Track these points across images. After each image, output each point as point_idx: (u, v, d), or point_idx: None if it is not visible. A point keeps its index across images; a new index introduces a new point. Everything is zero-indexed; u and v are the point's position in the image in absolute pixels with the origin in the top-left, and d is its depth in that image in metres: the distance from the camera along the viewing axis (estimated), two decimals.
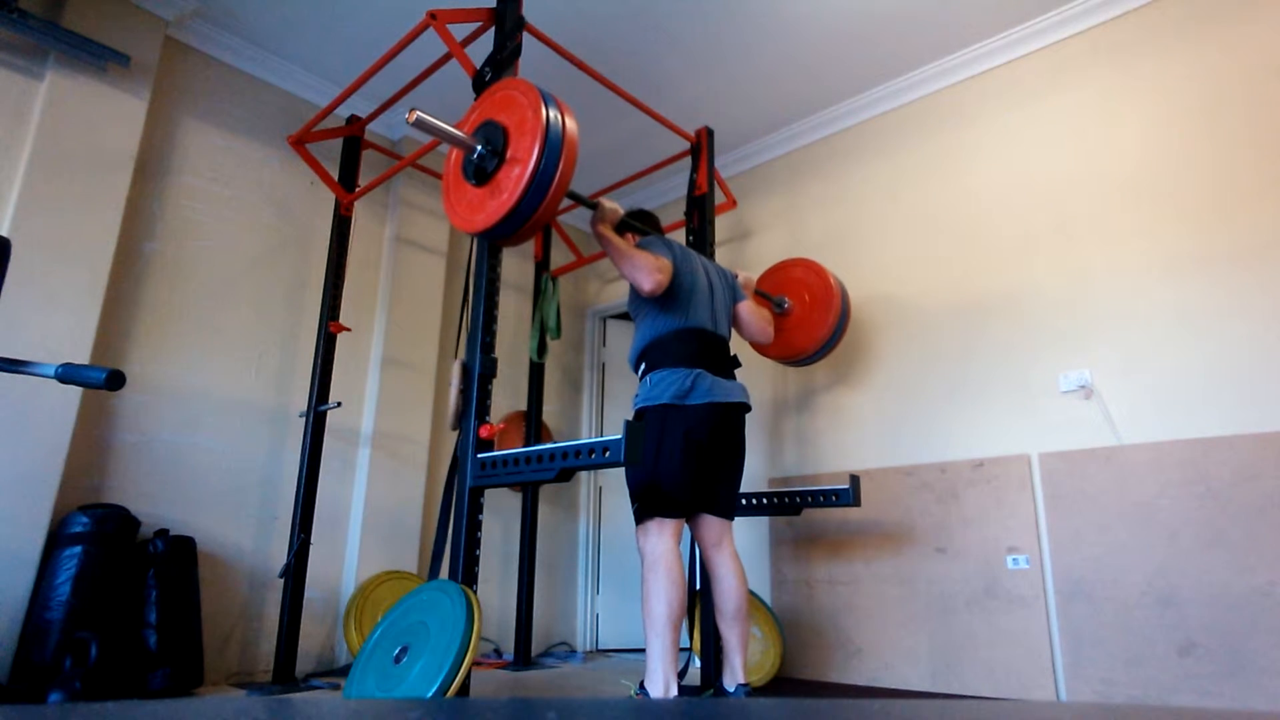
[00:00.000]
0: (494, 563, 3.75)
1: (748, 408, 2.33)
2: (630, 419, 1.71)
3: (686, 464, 2.11)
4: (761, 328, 2.55)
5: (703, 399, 2.15)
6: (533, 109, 1.74)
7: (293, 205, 3.36)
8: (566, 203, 3.65)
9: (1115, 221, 2.74)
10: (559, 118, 1.73)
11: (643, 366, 2.26)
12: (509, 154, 1.76)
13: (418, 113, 1.68)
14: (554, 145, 1.70)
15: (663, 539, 2.07)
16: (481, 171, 1.81)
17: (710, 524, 2.27)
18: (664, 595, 1.99)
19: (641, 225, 2.49)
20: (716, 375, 2.23)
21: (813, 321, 3.06)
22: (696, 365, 2.20)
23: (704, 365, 2.22)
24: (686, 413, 2.14)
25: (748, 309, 2.53)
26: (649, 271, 2.13)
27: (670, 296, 2.24)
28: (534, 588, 3.54)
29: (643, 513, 2.12)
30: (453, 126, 1.82)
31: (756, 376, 3.66)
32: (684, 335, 2.23)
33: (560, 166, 1.70)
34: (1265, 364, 2.36)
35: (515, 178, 1.72)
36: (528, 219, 1.75)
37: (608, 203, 2.26)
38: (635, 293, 2.29)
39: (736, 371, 2.37)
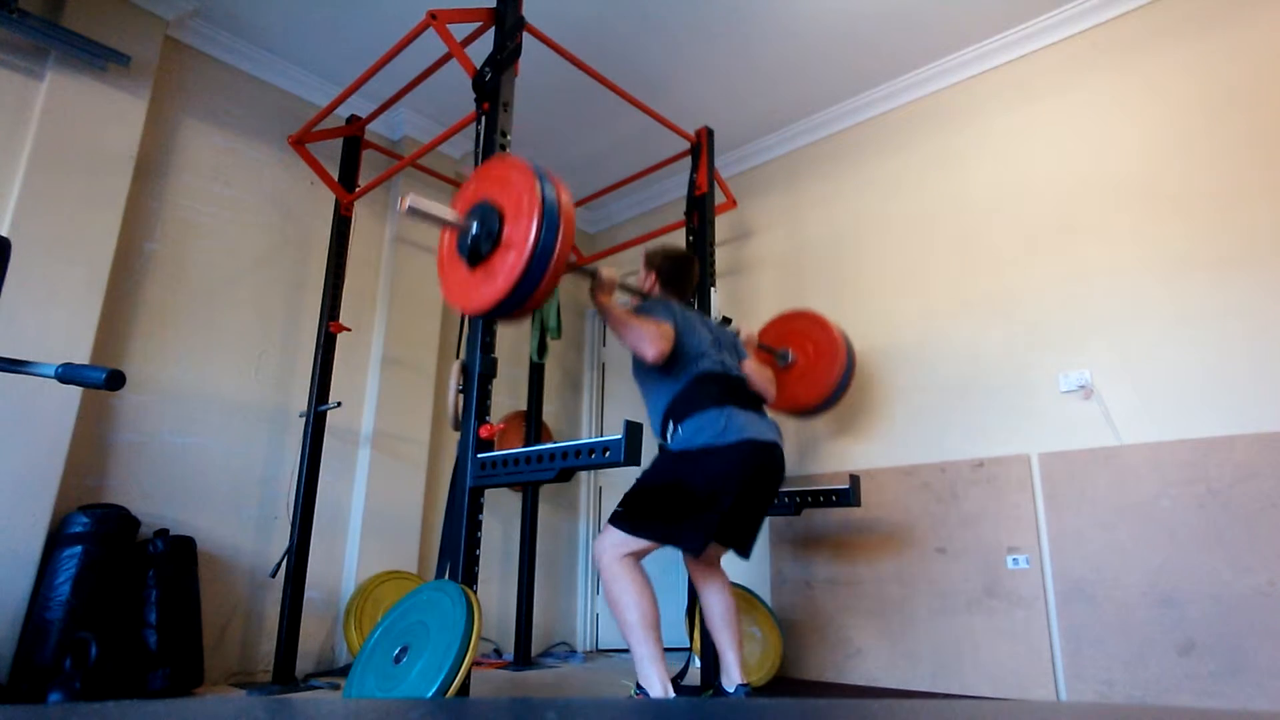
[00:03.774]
0: (494, 563, 3.75)
1: (781, 447, 2.22)
2: (630, 420, 1.71)
3: (718, 509, 2.03)
4: (764, 387, 2.42)
5: (739, 436, 2.07)
6: (528, 191, 1.69)
7: (293, 205, 3.36)
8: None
9: (1115, 221, 2.74)
10: (555, 198, 1.68)
11: (670, 424, 2.16)
12: (504, 238, 1.71)
13: (410, 201, 1.63)
14: (550, 229, 1.65)
15: (630, 552, 2.03)
16: (475, 254, 1.75)
17: (712, 547, 2.26)
18: (634, 602, 1.98)
19: (639, 290, 2.44)
20: (749, 411, 2.16)
21: (817, 374, 2.97)
22: (726, 404, 2.12)
23: (734, 403, 2.14)
24: (725, 454, 2.05)
25: (750, 368, 2.41)
26: (651, 339, 2.07)
27: (677, 356, 2.17)
28: (534, 588, 3.54)
29: (636, 529, 2.04)
30: (446, 208, 1.78)
31: None
32: (704, 379, 2.17)
33: (556, 250, 1.65)
34: (1265, 364, 2.36)
35: (510, 264, 1.67)
36: (523, 303, 1.71)
37: (606, 271, 2.20)
38: (639, 362, 2.22)
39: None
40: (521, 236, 1.66)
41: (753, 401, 2.24)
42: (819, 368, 2.98)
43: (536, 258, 1.65)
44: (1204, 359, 2.46)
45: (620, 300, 2.27)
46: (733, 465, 2.05)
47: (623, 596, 1.99)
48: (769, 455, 2.15)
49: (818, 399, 2.95)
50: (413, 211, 1.66)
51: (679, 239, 3.57)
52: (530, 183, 1.71)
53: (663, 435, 2.22)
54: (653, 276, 2.45)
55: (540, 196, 1.66)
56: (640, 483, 2.13)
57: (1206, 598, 2.27)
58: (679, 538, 2.04)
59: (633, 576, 2.00)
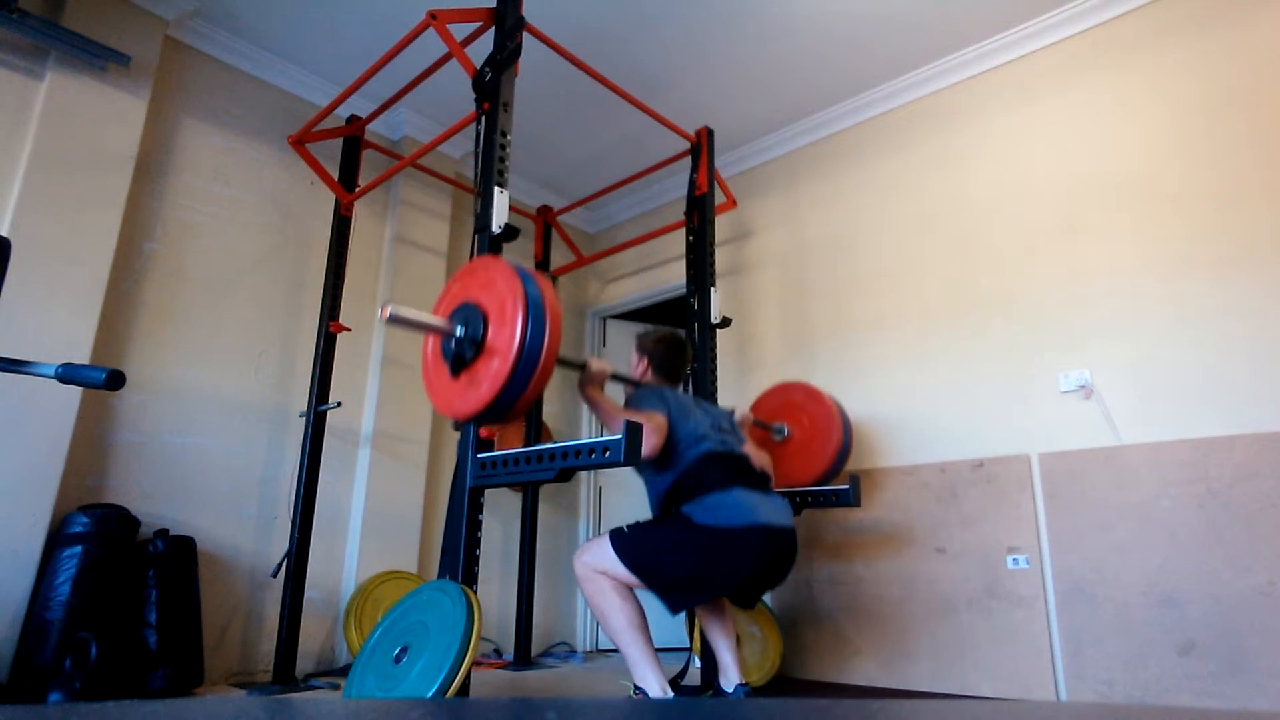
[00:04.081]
0: (494, 563, 3.75)
1: (794, 531, 2.15)
2: (630, 420, 1.70)
3: (717, 592, 2.00)
4: (764, 471, 2.33)
5: (750, 520, 1.99)
6: (511, 296, 1.64)
7: (293, 205, 3.36)
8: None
9: (1115, 221, 2.74)
10: (540, 298, 1.63)
11: (673, 510, 2.09)
12: (487, 343, 1.66)
13: (391, 309, 1.56)
14: (536, 333, 1.60)
15: (612, 577, 2.01)
16: (460, 360, 1.71)
17: None
18: (618, 608, 1.98)
19: (630, 378, 2.39)
20: (757, 491, 2.09)
21: (813, 450, 2.86)
22: (733, 485, 2.05)
23: (741, 483, 2.07)
24: (734, 540, 1.97)
25: (749, 452, 2.32)
26: (644, 436, 1.96)
27: (673, 445, 2.11)
28: (534, 588, 3.54)
29: (633, 568, 1.98)
30: (429, 313, 1.73)
31: (755, 376, 3.66)
32: (707, 460, 2.10)
33: (543, 355, 1.60)
34: (1265, 364, 2.36)
35: (494, 372, 1.62)
36: (509, 410, 1.66)
37: (595, 363, 2.17)
38: None
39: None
40: (506, 342, 1.61)
41: (760, 481, 2.17)
42: (815, 443, 2.86)
43: (522, 363, 1.59)
44: (1204, 359, 2.46)
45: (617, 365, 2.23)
46: (741, 553, 1.98)
47: (606, 603, 1.99)
48: (781, 541, 2.07)
49: (814, 476, 2.82)
50: (394, 319, 1.57)
51: (679, 239, 3.58)
52: (514, 285, 1.65)
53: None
54: (645, 362, 2.41)
55: (525, 298, 1.61)
56: (649, 529, 2.07)
57: (1206, 598, 2.27)
58: (666, 598, 1.99)
59: (614, 586, 2.01)
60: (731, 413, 2.48)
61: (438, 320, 1.75)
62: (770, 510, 2.07)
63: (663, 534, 2.04)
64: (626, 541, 2.03)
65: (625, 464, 1.67)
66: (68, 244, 2.58)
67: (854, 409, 3.27)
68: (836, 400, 2.90)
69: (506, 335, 1.62)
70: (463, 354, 1.70)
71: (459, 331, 1.72)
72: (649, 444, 2.00)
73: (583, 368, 2.18)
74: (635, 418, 2.00)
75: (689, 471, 2.09)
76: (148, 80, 2.88)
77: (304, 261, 3.34)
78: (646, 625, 2.01)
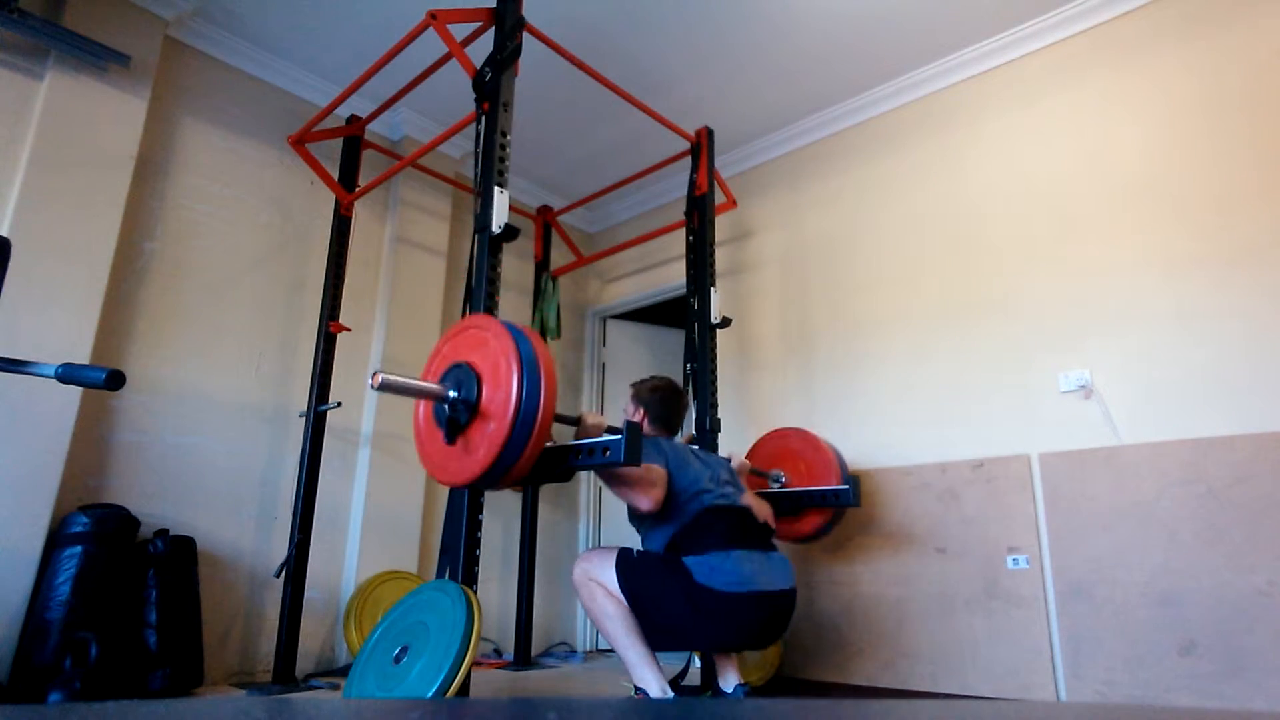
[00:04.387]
0: (494, 563, 3.75)
1: (794, 593, 2.13)
2: (630, 420, 1.70)
3: (703, 646, 2.03)
4: (765, 522, 2.33)
5: (746, 588, 1.97)
6: (505, 355, 1.61)
7: (293, 205, 3.36)
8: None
9: (1115, 221, 2.74)
10: (534, 357, 1.61)
11: (679, 561, 2.06)
12: (482, 406, 1.63)
13: (381, 377, 1.51)
14: (531, 394, 1.57)
15: (610, 590, 2.03)
16: (454, 424, 1.67)
17: None
18: (615, 613, 1.99)
19: (649, 414, 2.37)
20: (757, 552, 2.07)
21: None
22: (733, 547, 2.03)
23: (741, 545, 2.05)
24: (726, 605, 1.96)
25: (749, 501, 2.32)
26: (643, 489, 2.00)
27: (672, 497, 2.10)
28: (534, 588, 3.54)
29: (628, 597, 1.99)
30: (417, 380, 1.69)
31: (755, 376, 3.66)
32: (706, 515, 2.08)
33: (539, 417, 1.57)
34: (1264, 364, 2.36)
35: (490, 435, 1.59)
36: (505, 474, 1.62)
37: (591, 417, 2.16)
38: (634, 509, 2.15)
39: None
40: (502, 403, 1.57)
41: (761, 538, 2.15)
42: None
43: (519, 425, 1.56)
44: (1204, 359, 2.46)
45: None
46: (732, 619, 1.97)
47: (601, 609, 2.00)
48: (779, 604, 2.06)
49: (812, 530, 2.77)
50: (385, 387, 1.53)
51: (679, 239, 3.58)
52: (507, 344, 1.63)
53: None
54: (641, 412, 2.39)
55: (519, 357, 1.59)
56: (653, 567, 2.05)
57: (1206, 598, 2.27)
58: (654, 637, 2.00)
59: (607, 592, 2.02)
60: (728, 461, 2.45)
61: (429, 385, 1.70)
62: (769, 576, 2.05)
63: (665, 579, 2.01)
64: (630, 571, 2.03)
65: (625, 464, 1.67)
66: (68, 244, 2.58)
67: (854, 409, 3.28)
68: (834, 447, 2.86)
69: (502, 397, 1.58)
70: (457, 418, 1.66)
71: (452, 394, 1.68)
72: (651, 496, 2.00)
73: (577, 422, 2.16)
74: (633, 473, 2.01)
75: (690, 526, 2.07)
76: (148, 80, 2.88)
77: (304, 261, 3.34)
78: (641, 630, 2.02)
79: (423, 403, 1.84)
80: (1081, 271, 2.77)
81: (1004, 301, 2.95)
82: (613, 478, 2.04)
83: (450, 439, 1.68)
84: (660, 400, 2.39)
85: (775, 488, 2.86)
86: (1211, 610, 2.25)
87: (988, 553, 2.71)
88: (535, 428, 1.58)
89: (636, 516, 2.20)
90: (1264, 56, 2.55)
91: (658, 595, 2.00)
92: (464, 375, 1.67)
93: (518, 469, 1.63)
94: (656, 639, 2.01)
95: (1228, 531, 2.28)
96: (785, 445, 2.96)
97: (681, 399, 2.45)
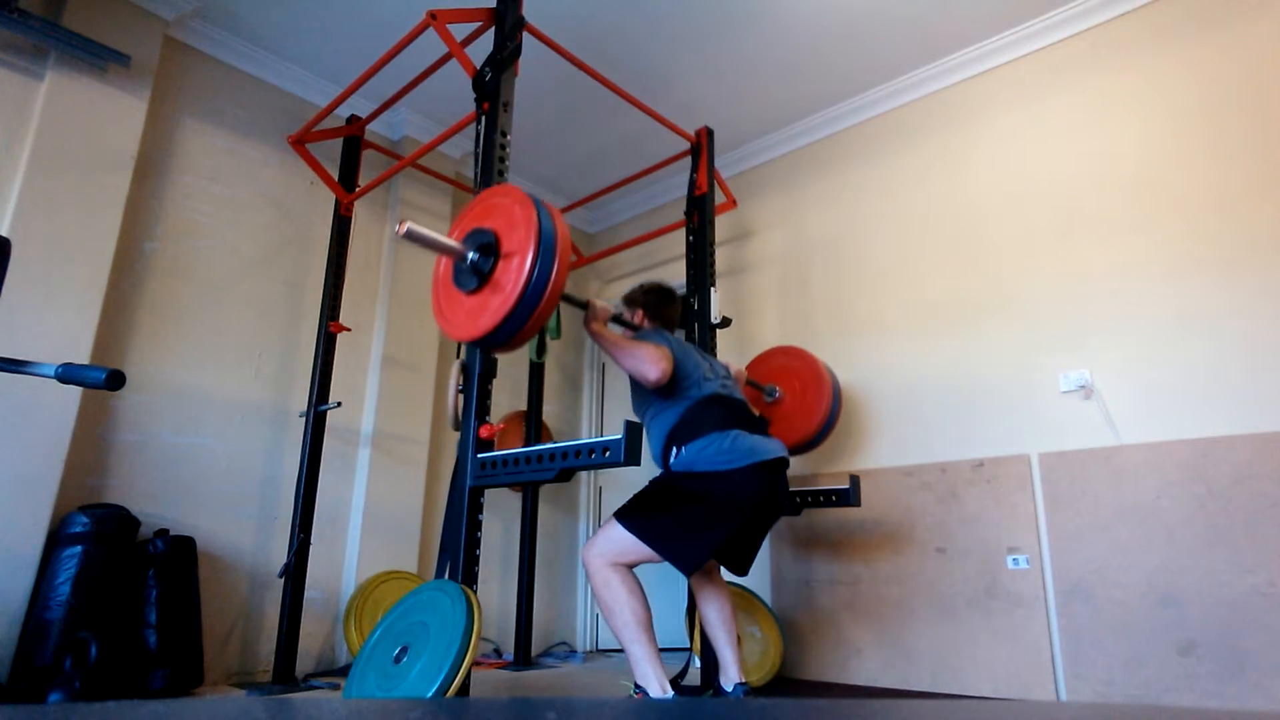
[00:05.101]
0: (494, 563, 3.75)
1: (788, 462, 2.23)
2: (630, 420, 1.71)
3: (723, 533, 2.02)
4: None
5: (749, 459, 2.05)
6: (519, 203, 1.73)
7: (293, 205, 3.36)
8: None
9: (1115, 221, 2.74)
10: (551, 227, 1.70)
11: (674, 449, 2.14)
12: (504, 250, 1.73)
13: (408, 225, 1.62)
14: (546, 257, 1.66)
15: (621, 561, 2.02)
16: (479, 273, 1.76)
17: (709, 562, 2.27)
18: (625, 604, 1.98)
19: (630, 323, 2.43)
20: (755, 434, 2.14)
21: (805, 410, 2.94)
22: (731, 427, 2.11)
23: (740, 426, 2.13)
24: (734, 479, 2.03)
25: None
26: (653, 361, 2.07)
27: (677, 380, 2.16)
28: (534, 588, 3.54)
29: (643, 534, 2.00)
30: (443, 235, 1.78)
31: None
32: (707, 402, 2.15)
33: (552, 278, 1.66)
34: (1265, 364, 2.36)
35: (516, 269, 1.68)
36: (518, 331, 1.70)
37: (599, 302, 2.23)
38: (640, 389, 2.21)
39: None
40: (518, 265, 1.67)
41: (758, 425, 2.22)
42: (805, 405, 2.94)
43: (528, 295, 1.65)
44: (1204, 359, 2.46)
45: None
46: (742, 489, 2.04)
47: (614, 598, 1.99)
48: (776, 471, 2.14)
49: (807, 435, 2.90)
50: (410, 235, 1.64)
51: (679, 239, 3.57)
52: (520, 196, 1.73)
53: (664, 460, 2.18)
54: (639, 313, 2.43)
55: (537, 225, 1.67)
56: (644, 494, 2.11)
57: (1206, 598, 2.27)
58: (676, 553, 2.00)
59: (622, 578, 2.00)
60: (727, 367, 2.52)
61: (451, 242, 1.80)
62: (767, 446, 2.13)
63: (662, 491, 2.09)
64: (629, 510, 2.06)
65: (625, 464, 1.67)
66: (68, 244, 2.58)
67: (854, 409, 3.28)
68: (828, 365, 2.97)
69: (515, 266, 1.67)
70: (481, 268, 1.76)
71: (471, 257, 1.77)
72: (659, 369, 2.06)
73: (586, 306, 2.22)
74: (642, 347, 2.09)
75: (693, 409, 2.14)
76: (148, 80, 2.88)
77: (304, 261, 3.34)
78: (651, 624, 2.01)
79: (441, 271, 1.92)
80: (1082, 271, 2.77)
81: (1004, 301, 2.95)
82: (618, 348, 2.10)
83: (478, 285, 1.76)
84: (657, 299, 2.46)
85: (769, 402, 3.00)
86: (1211, 610, 2.25)
87: (988, 553, 2.71)
88: (543, 299, 1.67)
89: (640, 399, 2.25)
90: (1264, 56, 2.55)
91: (664, 507, 2.04)
92: (484, 240, 1.77)
93: (521, 336, 1.73)
94: (687, 548, 2.00)
95: (1228, 531, 2.28)
96: (780, 362, 3.09)
97: (676, 297, 2.52)
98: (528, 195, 1.75)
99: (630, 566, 2.02)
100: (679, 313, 2.54)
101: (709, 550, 2.02)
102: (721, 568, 2.35)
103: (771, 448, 2.14)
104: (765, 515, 2.19)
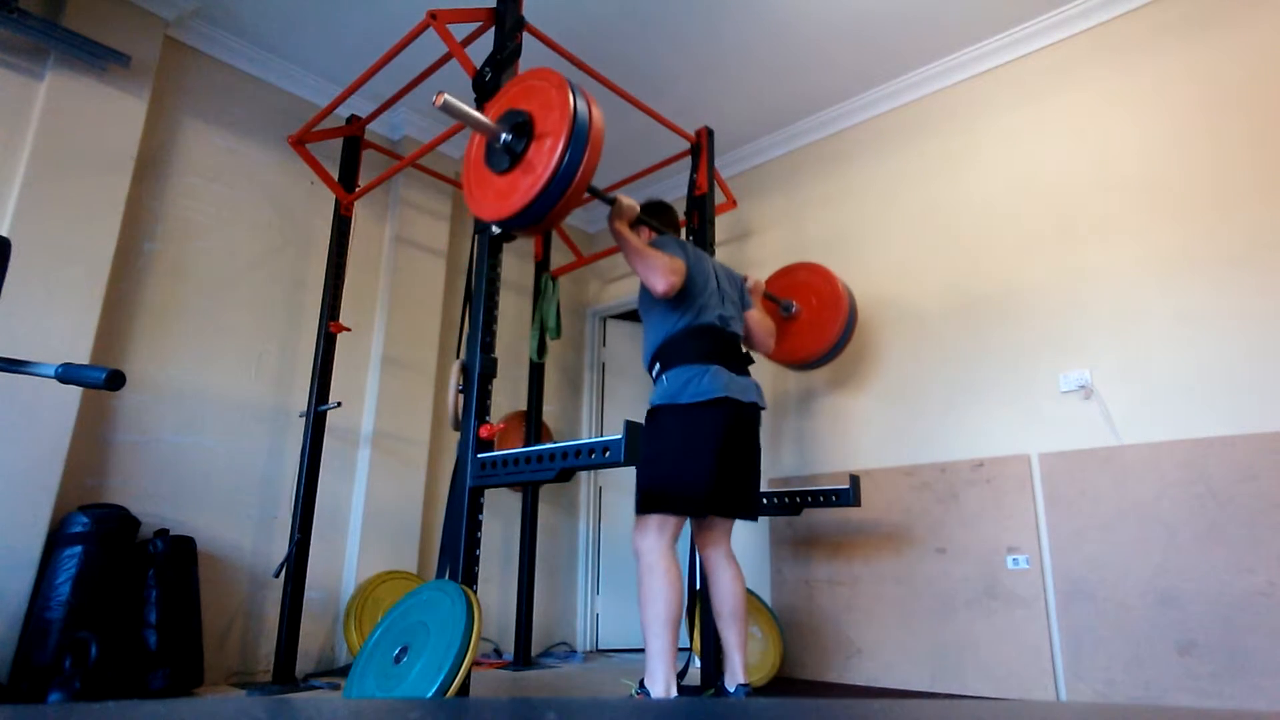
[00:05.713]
0: (494, 563, 3.75)
1: (762, 408, 2.32)
2: (630, 419, 1.71)
3: (705, 464, 2.09)
4: (763, 338, 2.54)
5: (719, 394, 2.13)
6: (555, 86, 1.74)
7: (293, 205, 3.36)
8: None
9: (1115, 222, 2.74)
10: (586, 112, 1.72)
11: (657, 366, 2.25)
12: (537, 130, 1.74)
13: (445, 96, 1.65)
14: (579, 141, 1.68)
15: (662, 538, 2.07)
16: (511, 153, 1.78)
17: (714, 525, 2.28)
18: (662, 596, 2.00)
19: (657, 223, 2.47)
20: (732, 372, 2.22)
21: (820, 326, 3.05)
22: (712, 362, 2.18)
23: (719, 361, 2.20)
24: (705, 412, 2.12)
25: (754, 318, 2.51)
26: (664, 273, 2.12)
27: (682, 296, 2.23)
28: (534, 588, 3.54)
29: (648, 507, 2.10)
30: (479, 114, 1.81)
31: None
32: (697, 332, 2.22)
33: (584, 162, 1.68)
34: (1264, 364, 2.36)
35: (548, 150, 1.69)
36: (563, 193, 1.71)
37: (625, 199, 2.27)
38: (647, 293, 2.28)
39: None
40: (550, 146, 1.68)
41: (739, 363, 2.30)
42: (821, 320, 3.05)
43: (564, 168, 1.67)
44: (1203, 359, 2.46)
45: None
46: (710, 419, 2.12)
47: (652, 588, 2.02)
48: (746, 412, 2.23)
49: (818, 351, 3.02)
50: (446, 108, 1.65)
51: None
52: (556, 79, 1.74)
53: (649, 370, 2.29)
54: (646, 231, 2.47)
55: (573, 109, 1.68)
56: (641, 464, 2.15)
57: (1206, 598, 2.27)
58: (682, 490, 2.07)
59: (667, 567, 2.04)
60: (744, 280, 2.58)
61: (485, 120, 1.81)
62: (739, 388, 2.21)
63: (647, 446, 2.12)
64: (638, 490, 2.13)
65: (625, 464, 1.67)
66: (68, 244, 2.58)
67: (854, 409, 3.28)
68: (847, 286, 3.06)
69: (549, 148, 1.69)
70: (514, 148, 1.77)
71: (504, 137, 1.78)
72: (668, 281, 2.12)
73: (613, 202, 2.26)
74: (658, 257, 2.15)
75: (683, 335, 2.21)
76: (148, 80, 2.88)
77: (304, 261, 3.34)
78: (679, 624, 2.04)
79: (474, 151, 1.93)
80: (1082, 271, 2.77)
81: (1004, 301, 2.95)
82: (636, 253, 2.16)
83: (511, 164, 1.77)
84: (655, 210, 2.53)
85: (786, 316, 3.10)
86: (1211, 610, 2.25)
87: (988, 553, 2.71)
88: (571, 186, 1.69)
89: (646, 304, 2.32)
90: (1263, 56, 2.55)
91: (655, 461, 2.10)
92: (519, 122, 1.78)
93: (548, 219, 1.75)
94: (687, 487, 2.08)
95: (1228, 531, 2.28)
96: (798, 277, 3.19)
97: (669, 204, 2.60)
98: (565, 79, 1.76)
99: (674, 536, 2.09)
100: (678, 216, 2.62)
101: (704, 475, 2.08)
102: (730, 558, 2.32)
103: (744, 390, 2.23)
104: (740, 449, 2.23)
